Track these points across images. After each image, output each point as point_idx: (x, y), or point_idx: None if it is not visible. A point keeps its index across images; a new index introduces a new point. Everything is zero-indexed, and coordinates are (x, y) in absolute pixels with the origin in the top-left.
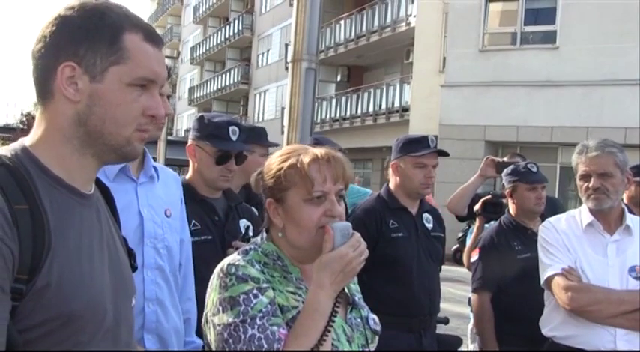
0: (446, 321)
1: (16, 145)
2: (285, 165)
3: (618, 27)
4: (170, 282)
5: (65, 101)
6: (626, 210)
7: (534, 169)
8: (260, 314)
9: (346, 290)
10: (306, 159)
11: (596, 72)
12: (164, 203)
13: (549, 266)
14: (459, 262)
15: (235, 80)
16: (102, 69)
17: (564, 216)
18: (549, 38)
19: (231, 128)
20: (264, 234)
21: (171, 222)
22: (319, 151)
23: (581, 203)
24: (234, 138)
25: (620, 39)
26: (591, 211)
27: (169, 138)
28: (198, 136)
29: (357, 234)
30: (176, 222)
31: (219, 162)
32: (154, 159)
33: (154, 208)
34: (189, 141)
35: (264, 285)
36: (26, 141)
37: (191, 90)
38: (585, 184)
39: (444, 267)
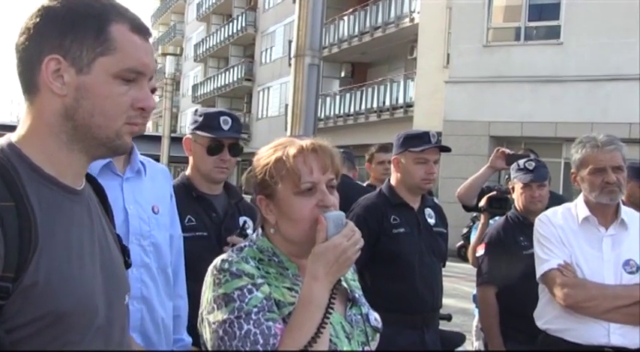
0: (449, 318)
1: (1, 141)
2: (272, 159)
3: (623, 22)
4: (157, 280)
5: (51, 95)
6: (621, 204)
7: (531, 167)
8: (255, 310)
9: (346, 286)
10: (291, 151)
11: (600, 67)
12: (151, 198)
13: (545, 261)
14: (463, 258)
15: (239, 77)
16: (88, 61)
17: (560, 208)
18: (553, 33)
19: (222, 118)
20: (260, 231)
21: (159, 218)
22: (304, 142)
23: None
24: (225, 127)
25: (625, 34)
26: (589, 205)
27: (173, 135)
28: (192, 129)
29: (351, 223)
30: (165, 218)
31: (212, 152)
32: (158, 156)
33: (141, 204)
34: (185, 136)
35: (259, 281)
36: (12, 136)
37: (195, 87)
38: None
39: (448, 263)
